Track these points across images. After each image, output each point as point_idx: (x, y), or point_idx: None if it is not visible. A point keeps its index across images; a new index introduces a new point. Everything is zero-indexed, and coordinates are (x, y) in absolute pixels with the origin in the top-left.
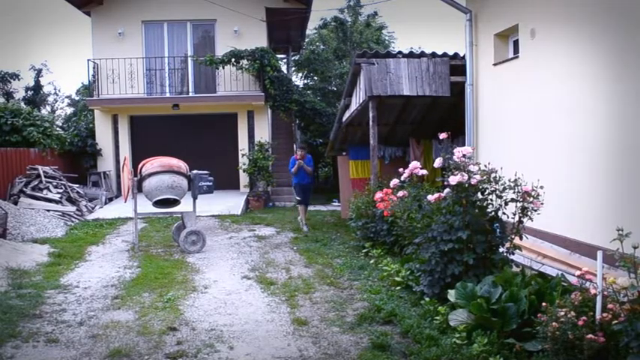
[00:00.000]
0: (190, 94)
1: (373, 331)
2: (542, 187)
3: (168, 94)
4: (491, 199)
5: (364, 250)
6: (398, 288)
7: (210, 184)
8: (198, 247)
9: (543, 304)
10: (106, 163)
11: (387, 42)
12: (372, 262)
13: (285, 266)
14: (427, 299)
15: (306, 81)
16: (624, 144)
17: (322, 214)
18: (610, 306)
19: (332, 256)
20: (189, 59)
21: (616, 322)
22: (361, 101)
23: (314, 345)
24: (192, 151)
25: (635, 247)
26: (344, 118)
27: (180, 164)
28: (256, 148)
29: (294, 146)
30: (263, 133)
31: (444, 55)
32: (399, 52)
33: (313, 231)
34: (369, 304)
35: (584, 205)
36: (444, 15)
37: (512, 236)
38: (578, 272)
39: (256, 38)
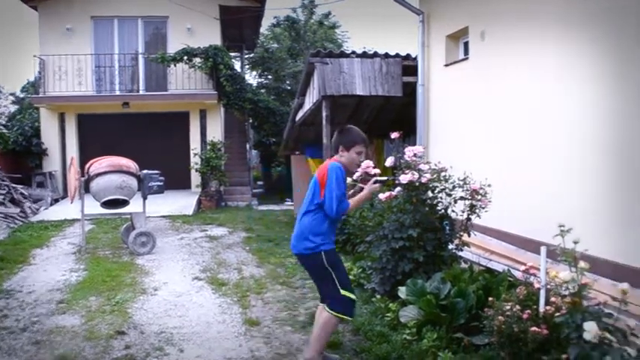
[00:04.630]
0: (141, 92)
1: None
2: (489, 186)
3: (118, 92)
4: (441, 198)
5: None
6: None
7: (161, 183)
8: (148, 249)
9: (490, 298)
10: (52, 163)
11: (340, 41)
12: None
13: (237, 266)
14: (378, 297)
15: (260, 80)
16: (569, 141)
17: (275, 213)
18: (553, 299)
19: (284, 256)
20: (141, 56)
21: (558, 314)
22: (315, 100)
23: (266, 345)
24: (143, 150)
25: (575, 243)
26: (297, 118)
27: (130, 164)
28: (209, 147)
29: (247, 146)
30: (216, 132)
31: (397, 55)
32: (353, 52)
33: (266, 230)
34: None
35: (529, 202)
36: (397, 15)
37: (461, 233)
38: (523, 267)
39: (210, 36)
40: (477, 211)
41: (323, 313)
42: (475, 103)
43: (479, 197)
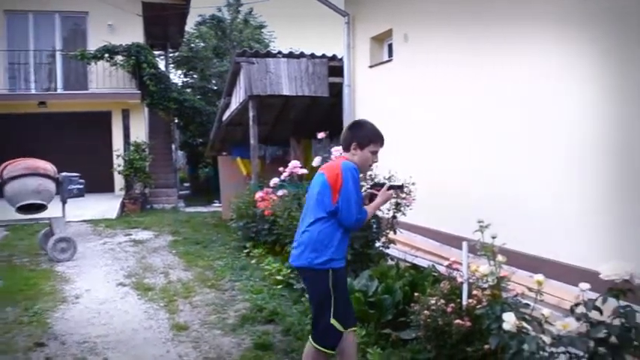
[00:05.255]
0: (59, 91)
1: (255, 332)
2: (414, 184)
3: (33, 91)
4: None
5: (245, 251)
6: (279, 287)
7: (81, 187)
8: (68, 255)
9: (416, 294)
10: None
11: (267, 41)
12: (253, 262)
13: (164, 270)
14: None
15: (185, 79)
16: (492, 139)
17: (203, 215)
18: (475, 292)
19: (213, 258)
20: (58, 53)
21: (479, 307)
22: (241, 100)
23: (194, 350)
24: (62, 152)
25: (493, 237)
26: (224, 118)
27: (47, 166)
28: (132, 148)
29: (173, 147)
30: (139, 132)
31: (323, 56)
32: (279, 52)
33: (193, 232)
34: (251, 304)
35: (452, 199)
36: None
37: (388, 231)
38: (446, 263)
39: (132, 33)
40: (402, 209)
41: (308, 349)
42: (400, 103)
43: (403, 195)
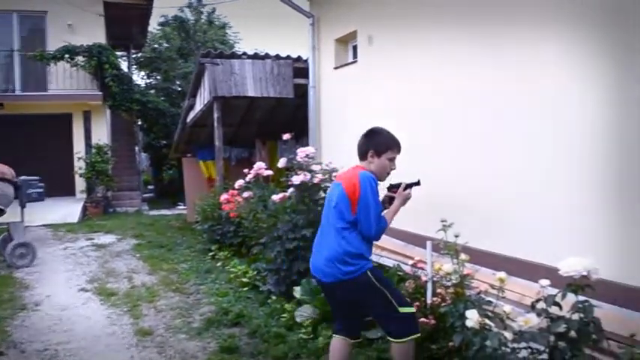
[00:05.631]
0: (17, 93)
1: (221, 335)
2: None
3: None
4: None
5: (211, 253)
6: (245, 289)
7: (41, 190)
8: (27, 261)
9: None
10: None
11: (232, 42)
12: (219, 264)
13: (128, 275)
14: (274, 298)
15: (149, 80)
16: (453, 140)
17: (167, 218)
18: (439, 291)
19: (177, 262)
20: (16, 54)
21: (444, 305)
22: (206, 102)
23: (159, 355)
24: (21, 155)
25: (456, 236)
26: (188, 119)
27: (5, 170)
28: (94, 150)
29: (136, 149)
30: (101, 134)
31: (288, 57)
32: (244, 53)
33: (157, 236)
34: (217, 307)
35: (416, 199)
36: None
37: None
38: (411, 262)
39: (93, 34)
40: None
41: (394, 348)
42: (365, 104)
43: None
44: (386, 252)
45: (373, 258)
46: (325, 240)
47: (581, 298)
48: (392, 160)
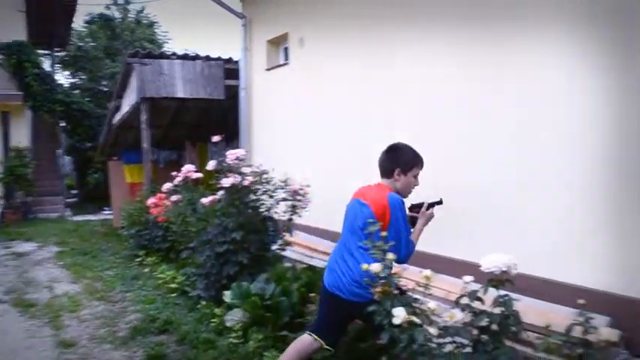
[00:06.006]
0: None
1: (148, 343)
2: (309, 186)
3: None
4: (264, 200)
5: (138, 259)
6: (174, 295)
7: None
8: None
9: (312, 294)
10: None
11: (161, 42)
12: (146, 270)
13: (48, 284)
14: (204, 303)
15: (73, 80)
16: (382, 141)
17: (92, 224)
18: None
19: (102, 269)
20: None
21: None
22: (133, 103)
23: None
24: None
25: (384, 236)
26: (115, 120)
27: None
28: (13, 154)
29: (59, 152)
30: (21, 137)
31: (219, 58)
32: (174, 54)
33: (81, 242)
34: (144, 315)
35: (347, 200)
36: (222, 18)
37: (284, 234)
38: None
39: (13, 30)
40: (298, 211)
41: None
42: (297, 106)
43: (299, 197)
44: (317, 253)
45: (304, 259)
46: (345, 260)
47: (502, 292)
48: (416, 176)
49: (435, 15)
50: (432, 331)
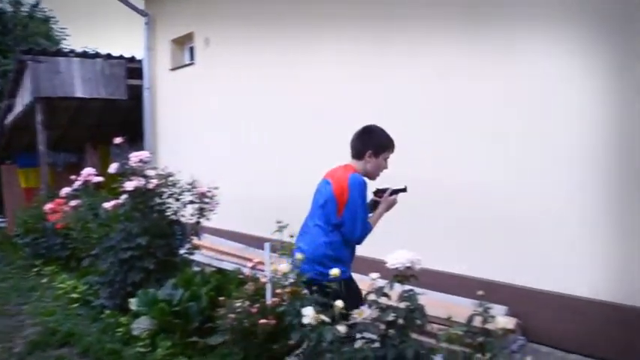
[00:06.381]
0: None
1: (48, 357)
2: (217, 188)
3: None
4: (170, 203)
5: (35, 269)
6: (76, 305)
7: None
8: None
9: (221, 298)
10: None
11: (58, 38)
12: (44, 281)
13: None
14: (108, 312)
15: None
16: (288, 142)
17: None
18: (278, 291)
19: None
20: None
21: (283, 304)
22: (27, 102)
23: None
24: None
25: (291, 237)
26: (7, 121)
27: None
28: None
29: None
30: None
31: (121, 57)
32: (72, 51)
33: None
34: (43, 328)
35: (255, 201)
36: (124, 15)
37: (192, 237)
38: (250, 264)
39: None
40: (206, 214)
41: None
42: (203, 106)
43: (207, 200)
44: (226, 256)
45: (213, 263)
46: (307, 237)
47: (407, 287)
48: (387, 159)
49: (339, 15)
50: (341, 328)
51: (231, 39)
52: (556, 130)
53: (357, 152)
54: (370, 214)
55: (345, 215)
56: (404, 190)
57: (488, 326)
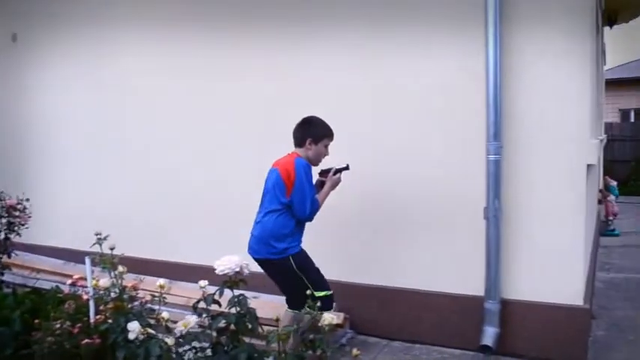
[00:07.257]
0: None
1: None
2: (28, 200)
3: None
4: None
5: None
6: None
7: None
8: None
9: (37, 320)
10: None
11: None
12: None
13: None
14: None
15: None
16: (104, 153)
17: None
18: (102, 308)
19: None
20: None
21: (108, 321)
22: None
23: None
24: None
25: (112, 249)
26: None
27: None
28: None
29: None
30: None
31: None
32: None
33: None
34: None
35: (75, 213)
36: None
37: (1, 255)
38: (69, 281)
39: None
40: (17, 228)
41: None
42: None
43: (17, 213)
44: (43, 273)
45: (28, 282)
46: (259, 220)
47: (237, 292)
48: (327, 146)
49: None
50: (169, 340)
51: (42, 36)
52: None
53: (298, 141)
54: (317, 194)
55: (294, 195)
56: (347, 168)
57: (317, 323)
